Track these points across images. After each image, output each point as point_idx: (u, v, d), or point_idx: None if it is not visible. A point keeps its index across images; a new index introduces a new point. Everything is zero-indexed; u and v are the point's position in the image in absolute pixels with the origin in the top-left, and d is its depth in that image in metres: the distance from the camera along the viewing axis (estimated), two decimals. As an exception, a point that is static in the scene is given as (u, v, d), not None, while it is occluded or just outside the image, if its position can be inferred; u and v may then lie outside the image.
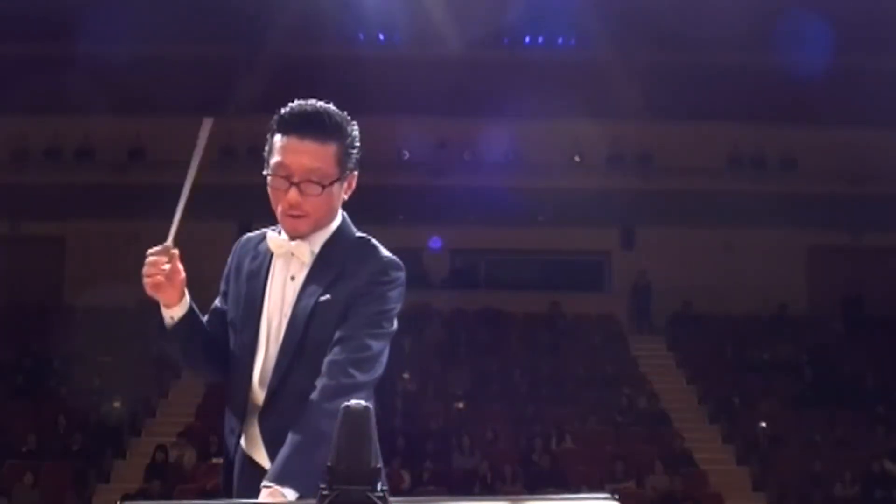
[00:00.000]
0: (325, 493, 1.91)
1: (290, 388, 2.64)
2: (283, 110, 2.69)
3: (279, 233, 2.77)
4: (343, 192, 2.73)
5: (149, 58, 18.77)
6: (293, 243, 2.71)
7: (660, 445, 16.43)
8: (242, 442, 2.76)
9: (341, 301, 2.63)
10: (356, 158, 2.72)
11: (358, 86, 18.81)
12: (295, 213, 2.65)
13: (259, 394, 2.71)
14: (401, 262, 2.72)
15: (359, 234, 2.78)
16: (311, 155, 2.62)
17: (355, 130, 2.71)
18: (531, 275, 21.73)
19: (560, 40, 21.38)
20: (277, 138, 2.67)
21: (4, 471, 15.18)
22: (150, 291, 2.64)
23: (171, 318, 2.71)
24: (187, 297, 2.72)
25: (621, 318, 20.83)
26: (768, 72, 18.91)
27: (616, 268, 21.53)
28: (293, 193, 2.63)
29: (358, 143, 2.72)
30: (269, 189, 2.69)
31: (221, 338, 2.83)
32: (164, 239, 2.65)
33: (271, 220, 2.77)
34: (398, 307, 2.69)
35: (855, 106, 18.40)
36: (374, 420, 1.96)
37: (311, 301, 2.65)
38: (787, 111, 19.56)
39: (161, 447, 15.47)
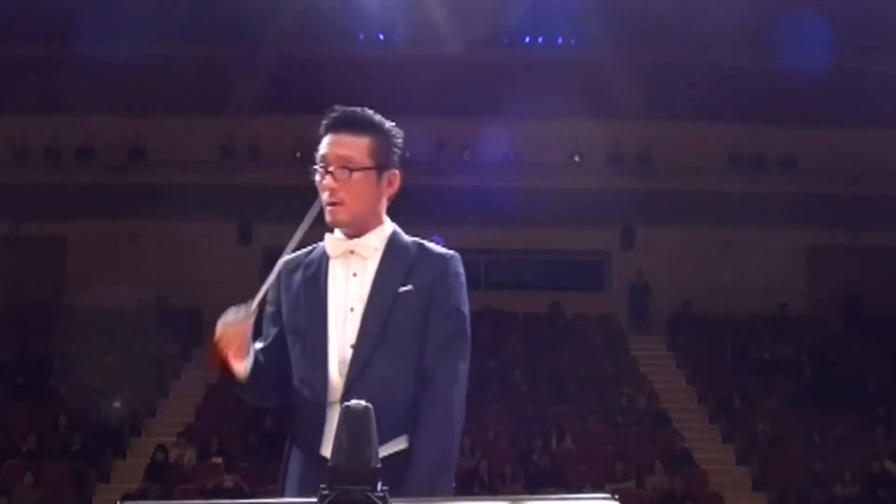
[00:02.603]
0: (325, 493, 1.91)
1: (374, 374, 2.82)
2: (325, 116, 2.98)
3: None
4: (384, 190, 2.95)
5: (149, 58, 18.76)
6: (353, 241, 2.93)
7: (660, 445, 16.42)
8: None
9: (422, 292, 2.89)
10: (395, 158, 2.97)
11: (358, 86, 18.82)
12: (332, 199, 2.88)
13: (338, 386, 2.85)
14: (459, 256, 3.01)
15: (410, 237, 3.03)
16: (343, 145, 2.90)
17: (394, 131, 2.98)
18: (531, 275, 21.72)
19: (560, 40, 21.38)
20: (322, 140, 2.94)
21: (4, 471, 15.17)
22: (223, 363, 2.83)
23: (245, 370, 2.88)
24: (251, 350, 2.90)
25: (621, 318, 20.82)
26: (768, 72, 18.91)
27: (616, 268, 21.51)
28: (327, 179, 2.87)
29: (398, 143, 2.98)
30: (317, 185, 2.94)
31: (281, 362, 2.97)
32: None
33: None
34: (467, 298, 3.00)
35: (855, 106, 18.39)
36: (374, 420, 1.97)
37: (391, 292, 2.88)
38: (787, 111, 19.56)
39: (161, 447, 15.45)
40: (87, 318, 17.61)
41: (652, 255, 20.62)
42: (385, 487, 1.96)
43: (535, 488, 14.47)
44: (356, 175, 2.86)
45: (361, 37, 20.78)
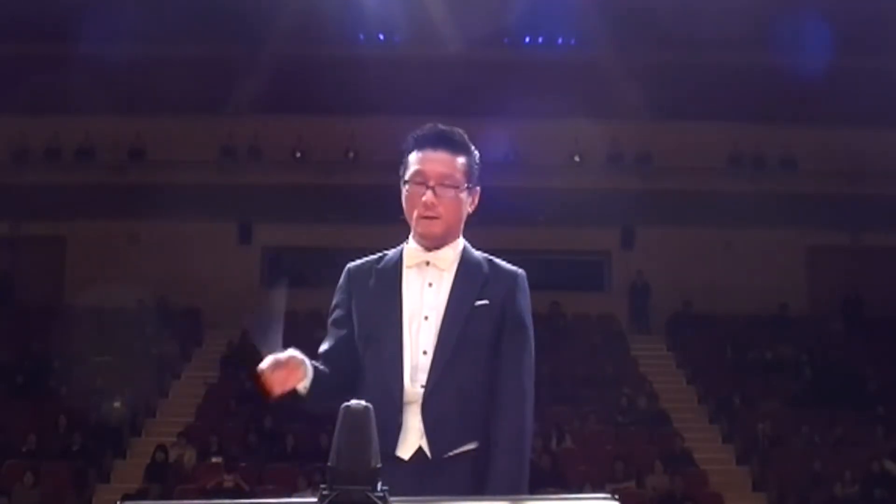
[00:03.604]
0: (325, 493, 1.91)
1: (449, 381, 2.96)
2: (415, 133, 3.11)
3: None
4: (469, 206, 3.11)
5: (149, 58, 18.76)
6: (430, 253, 3.06)
7: (660, 445, 16.42)
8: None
9: (495, 308, 3.04)
10: (478, 176, 3.13)
11: (358, 86, 18.83)
12: (430, 213, 3.01)
13: (413, 390, 2.97)
14: (525, 273, 3.17)
15: (479, 252, 3.17)
16: (444, 163, 3.04)
17: (477, 152, 3.16)
18: (531, 275, 21.35)
19: (560, 40, 21.37)
20: (413, 154, 3.07)
21: (4, 471, 15.17)
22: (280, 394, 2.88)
23: (304, 388, 2.94)
24: (308, 366, 2.93)
25: (621, 318, 20.81)
26: (768, 72, 18.90)
27: (616, 268, 21.50)
28: (429, 195, 3.01)
29: (479, 164, 3.14)
30: (404, 197, 3.06)
31: (343, 366, 3.06)
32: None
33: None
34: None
35: (855, 106, 18.38)
36: (374, 420, 1.97)
37: (467, 304, 3.02)
38: (787, 111, 19.54)
39: (161, 447, 15.46)
40: (87, 318, 17.61)
41: (652, 255, 20.61)
42: (385, 487, 1.96)
43: (535, 488, 14.38)
44: (457, 194, 3.03)
45: (361, 37, 20.77)
